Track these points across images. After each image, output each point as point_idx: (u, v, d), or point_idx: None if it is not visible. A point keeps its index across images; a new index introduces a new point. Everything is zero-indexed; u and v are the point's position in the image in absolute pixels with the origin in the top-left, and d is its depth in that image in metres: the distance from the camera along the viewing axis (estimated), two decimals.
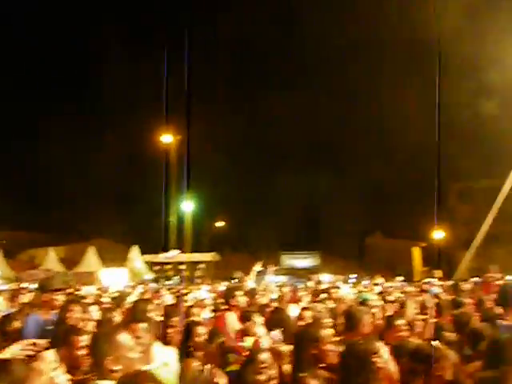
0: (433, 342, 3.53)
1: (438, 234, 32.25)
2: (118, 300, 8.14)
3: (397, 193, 32.40)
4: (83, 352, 3.50)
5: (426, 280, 14.66)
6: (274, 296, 8.35)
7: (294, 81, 36.83)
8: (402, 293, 9.65)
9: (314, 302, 7.53)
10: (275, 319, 4.99)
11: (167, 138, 28.60)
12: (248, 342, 4.31)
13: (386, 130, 31.72)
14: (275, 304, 7.22)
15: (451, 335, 4.94)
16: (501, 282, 10.50)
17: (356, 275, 27.24)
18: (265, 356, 3.36)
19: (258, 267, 10.04)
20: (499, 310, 5.48)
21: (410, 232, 34.99)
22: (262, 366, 3.29)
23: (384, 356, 2.88)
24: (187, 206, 30.11)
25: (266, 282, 10.05)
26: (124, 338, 3.10)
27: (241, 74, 38.79)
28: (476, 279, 12.52)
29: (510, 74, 17.87)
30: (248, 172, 39.19)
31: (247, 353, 3.88)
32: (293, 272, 32.01)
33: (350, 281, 22.67)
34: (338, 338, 4.35)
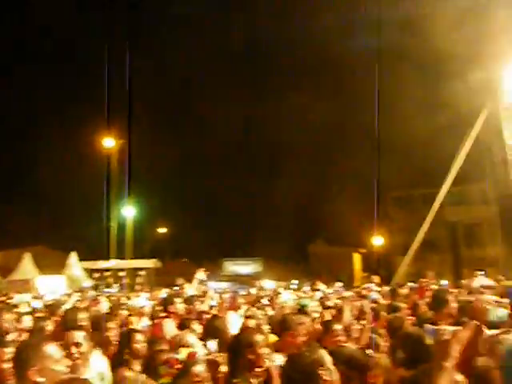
0: (367, 350, 3.58)
1: (378, 241, 33.09)
2: (53, 308, 7.87)
3: (338, 200, 32.97)
4: (8, 365, 3.34)
5: (365, 285, 14.95)
6: (214, 303, 8.29)
7: (234, 89, 36.83)
8: (340, 298, 9.80)
9: (254, 308, 7.52)
10: (212, 327, 4.94)
11: (109, 142, 28.03)
12: (182, 353, 4.23)
13: (327, 138, 32.25)
14: (215, 311, 7.17)
15: (384, 339, 5.04)
16: (435, 287, 10.86)
17: (297, 281, 27.49)
18: (199, 369, 3.31)
19: (200, 274, 9.92)
20: (432, 314, 5.64)
21: (351, 239, 35.70)
22: (196, 379, 3.24)
23: (329, 366, 2.87)
24: (128, 211, 29.57)
25: (206, 289, 9.95)
26: (51, 348, 2.97)
27: (184, 79, 38.52)
28: (412, 284, 12.86)
29: (449, 87, 18.53)
30: (190, 178, 38.93)
31: (180, 365, 3.82)
32: (235, 278, 31.97)
33: (291, 287, 22.81)
34: (274, 343, 4.37)
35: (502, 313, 4.16)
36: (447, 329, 2.96)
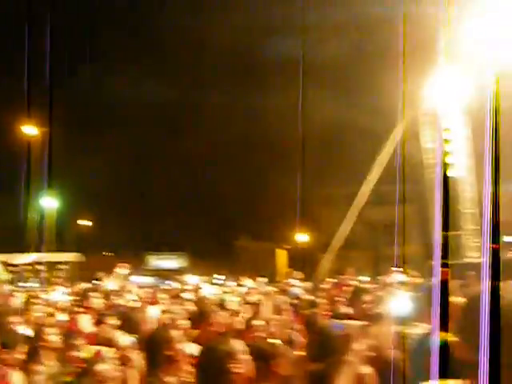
0: (272, 340, 3.64)
1: (302, 237, 33.78)
2: None
3: (264, 197, 33.34)
4: None
5: (288, 281, 15.21)
6: (133, 297, 8.17)
7: (159, 79, 35.95)
8: (262, 294, 9.93)
9: (174, 303, 7.48)
10: (129, 322, 4.87)
11: (30, 130, 26.92)
12: (86, 351, 4.13)
13: (251, 135, 32.37)
14: (134, 305, 7.08)
15: (302, 334, 5.16)
16: (355, 283, 11.24)
17: (223, 276, 27.58)
18: (102, 367, 3.25)
19: (122, 269, 9.74)
20: (349, 309, 5.85)
21: (276, 235, 36.18)
22: (99, 378, 3.19)
23: (242, 358, 2.88)
24: (49, 202, 28.55)
25: (127, 283, 9.80)
26: None
27: (108, 67, 37.41)
28: (332, 280, 13.21)
29: (373, 91, 19.14)
30: (116, 170, 38.04)
31: (83, 364, 3.73)
32: (159, 273, 31.65)
33: (216, 282, 22.85)
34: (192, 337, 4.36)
35: (408, 308, 4.37)
36: (354, 324, 3.08)
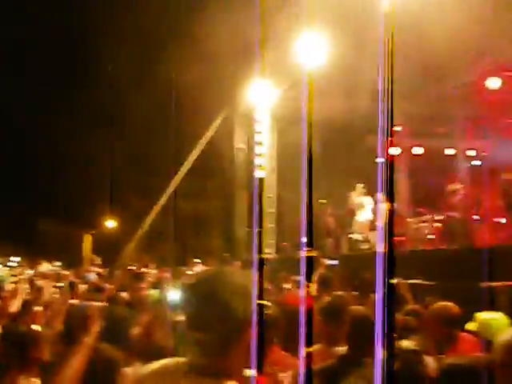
0: (33, 326, 3.67)
1: (110, 224, 33.33)
2: None
3: (74, 181, 32.08)
4: None
5: (85, 266, 15.03)
6: None
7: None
8: (49, 277, 9.73)
9: None
10: None
11: None
12: None
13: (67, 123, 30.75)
14: None
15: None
16: (149, 271, 11.62)
17: (18, 259, 26.02)
18: None
19: None
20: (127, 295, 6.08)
21: (82, 220, 35.11)
22: None
23: None
24: None
25: None
26: None
27: None
28: (129, 267, 13.40)
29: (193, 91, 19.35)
30: None
31: None
32: None
33: (10, 264, 21.63)
34: None
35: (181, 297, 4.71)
36: (95, 305, 3.29)
